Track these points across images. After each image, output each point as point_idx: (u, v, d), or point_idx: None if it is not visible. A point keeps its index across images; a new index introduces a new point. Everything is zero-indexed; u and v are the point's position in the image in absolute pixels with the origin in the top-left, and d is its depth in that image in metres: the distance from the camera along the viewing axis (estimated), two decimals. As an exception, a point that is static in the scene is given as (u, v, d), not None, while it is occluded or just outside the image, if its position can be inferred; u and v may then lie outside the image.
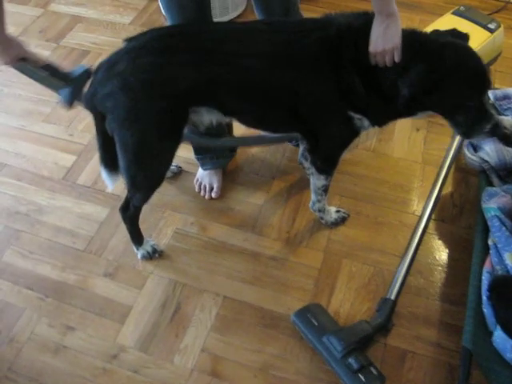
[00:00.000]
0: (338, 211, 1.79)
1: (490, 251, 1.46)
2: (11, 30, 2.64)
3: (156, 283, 1.67)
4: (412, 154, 2.01)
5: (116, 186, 1.78)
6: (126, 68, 1.27)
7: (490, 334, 1.33)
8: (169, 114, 1.34)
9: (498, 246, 1.44)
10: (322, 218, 1.77)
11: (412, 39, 1.30)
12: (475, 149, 1.74)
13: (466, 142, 1.80)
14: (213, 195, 1.88)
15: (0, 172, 2.02)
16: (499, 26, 2.15)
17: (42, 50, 2.53)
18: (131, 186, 1.51)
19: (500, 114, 1.74)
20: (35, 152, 2.08)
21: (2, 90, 2.35)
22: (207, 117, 1.43)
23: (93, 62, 2.46)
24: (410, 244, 1.69)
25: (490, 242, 1.48)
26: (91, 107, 1.36)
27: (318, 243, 1.75)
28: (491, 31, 2.12)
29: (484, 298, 1.37)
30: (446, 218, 1.81)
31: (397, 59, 1.27)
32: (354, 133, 1.46)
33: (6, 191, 1.95)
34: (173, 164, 1.85)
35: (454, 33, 1.38)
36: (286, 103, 1.39)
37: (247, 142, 1.93)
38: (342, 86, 1.33)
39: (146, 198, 1.56)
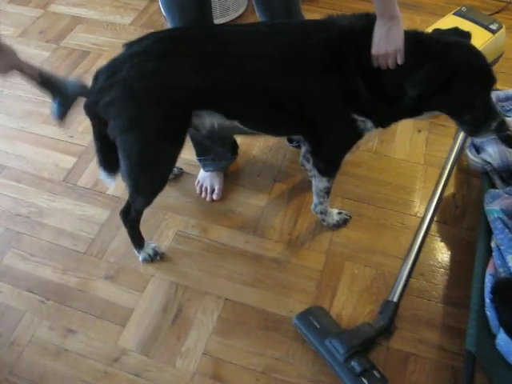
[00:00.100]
0: (339, 213, 1.79)
1: (493, 253, 1.45)
2: (11, 31, 2.67)
3: (157, 286, 1.66)
4: (414, 156, 2.01)
5: (116, 188, 1.78)
6: (129, 74, 1.26)
7: (494, 336, 1.32)
8: (172, 118, 1.34)
9: (501, 248, 1.43)
10: (323, 220, 1.76)
11: (415, 40, 1.29)
12: (478, 150, 1.74)
13: (468, 143, 1.79)
14: (214, 197, 1.87)
15: (0, 174, 2.01)
16: (501, 27, 2.14)
17: (41, 51, 2.53)
18: (133, 191, 1.50)
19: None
20: (35, 154, 2.08)
21: (2, 91, 2.35)
22: (209, 120, 1.42)
23: (93, 62, 2.45)
24: (412, 246, 1.68)
25: (492, 245, 1.47)
26: (93, 115, 1.35)
27: (319, 245, 1.74)
28: (493, 32, 2.11)
29: (487, 300, 1.36)
30: (448, 220, 1.80)
31: (399, 61, 1.26)
32: (358, 135, 1.45)
33: (6, 193, 1.94)
34: (174, 166, 1.85)
35: (455, 31, 1.38)
36: (289, 105, 1.39)
37: None
38: (345, 88, 1.32)
39: (148, 202, 1.55)
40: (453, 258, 1.71)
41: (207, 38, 1.34)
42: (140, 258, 1.71)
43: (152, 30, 2.53)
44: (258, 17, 1.64)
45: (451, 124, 2.03)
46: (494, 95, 1.77)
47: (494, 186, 1.64)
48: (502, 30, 2.15)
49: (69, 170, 2.01)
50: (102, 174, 1.49)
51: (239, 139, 2.00)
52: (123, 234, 1.70)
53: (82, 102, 1.37)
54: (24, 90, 2.30)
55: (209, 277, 1.68)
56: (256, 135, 1.94)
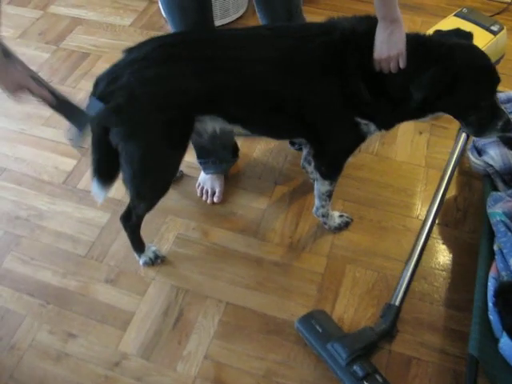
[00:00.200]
0: (341, 216, 1.78)
1: (496, 257, 1.45)
2: (10, 32, 2.66)
3: (158, 289, 1.65)
4: (415, 158, 2.00)
5: (116, 191, 1.77)
6: (130, 80, 1.25)
7: (497, 340, 1.32)
8: (174, 124, 1.33)
9: (504, 251, 1.43)
10: (325, 223, 1.75)
11: (417, 43, 1.29)
12: (479, 153, 1.73)
13: (470, 145, 1.79)
14: (215, 200, 1.87)
15: (0, 176, 2.00)
16: (502, 28, 2.14)
17: (41, 53, 2.52)
18: (136, 196, 1.49)
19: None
20: (35, 156, 2.07)
21: (2, 92, 2.33)
22: (210, 125, 1.42)
23: (93, 64, 2.45)
24: (413, 249, 1.67)
25: (495, 248, 1.47)
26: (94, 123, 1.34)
27: (321, 248, 1.74)
28: (494, 33, 2.11)
29: (490, 304, 1.36)
30: (449, 223, 1.80)
31: (402, 65, 1.26)
32: (361, 138, 1.45)
33: (6, 196, 1.93)
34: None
35: (457, 32, 1.37)
36: (291, 109, 1.38)
37: None
38: (348, 92, 1.32)
39: (150, 207, 1.55)
40: (455, 261, 1.70)
41: (208, 43, 1.33)
42: (141, 262, 1.70)
43: (152, 32, 2.58)
44: (258, 17, 1.64)
45: (452, 126, 2.05)
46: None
47: (495, 189, 1.64)
48: (504, 32, 2.14)
49: (69, 173, 2.00)
50: (94, 186, 1.44)
51: (240, 142, 1.99)
52: (123, 237, 1.69)
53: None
54: (23, 92, 2.29)
55: (210, 280, 1.67)
56: (257, 137, 1.94)
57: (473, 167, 1.73)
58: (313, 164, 1.60)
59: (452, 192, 1.87)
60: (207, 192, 1.88)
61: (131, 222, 1.59)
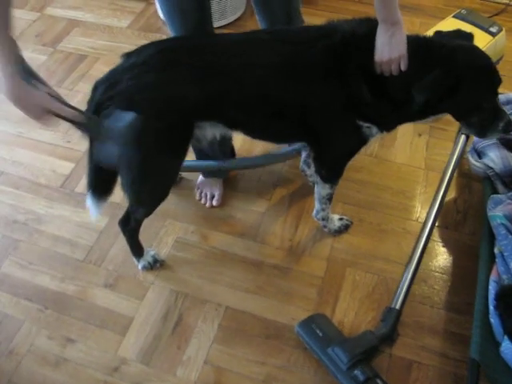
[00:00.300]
0: (341, 219, 1.77)
1: (496, 260, 1.44)
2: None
3: (157, 294, 1.64)
4: (414, 160, 2.00)
5: (115, 194, 1.75)
6: (129, 86, 1.24)
7: (498, 344, 1.31)
8: (174, 130, 1.32)
9: (505, 254, 1.42)
10: (325, 226, 1.75)
11: (418, 45, 1.28)
12: (479, 155, 1.73)
13: (470, 148, 1.79)
14: (214, 203, 1.86)
15: (-3, 180, 1.99)
16: (501, 30, 2.13)
17: (38, 55, 2.50)
18: (135, 202, 1.48)
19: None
20: (33, 159, 2.06)
21: (-1, 95, 2.32)
22: (210, 131, 1.41)
23: (90, 66, 2.43)
24: (413, 252, 1.66)
25: (496, 251, 1.46)
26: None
27: (321, 251, 1.73)
28: (493, 35, 2.10)
29: (491, 307, 1.35)
30: (449, 225, 1.79)
31: (403, 68, 1.25)
32: (363, 141, 1.44)
33: (3, 200, 1.92)
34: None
35: (458, 33, 1.37)
36: (293, 113, 1.37)
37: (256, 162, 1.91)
38: (350, 95, 1.31)
39: (149, 212, 1.54)
40: (455, 264, 1.70)
41: (207, 48, 1.32)
42: (139, 266, 1.69)
43: (149, 33, 2.56)
44: (257, 20, 1.62)
45: (451, 128, 2.04)
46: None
47: (496, 191, 1.63)
48: (502, 33, 2.14)
49: (66, 176, 1.99)
50: (89, 200, 1.43)
51: (238, 144, 1.98)
52: (122, 241, 1.68)
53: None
54: (21, 95, 2.28)
55: (209, 284, 1.66)
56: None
57: (473, 170, 1.72)
58: (312, 167, 1.59)
59: (452, 194, 1.87)
60: (206, 195, 1.87)
61: (130, 226, 1.57)
